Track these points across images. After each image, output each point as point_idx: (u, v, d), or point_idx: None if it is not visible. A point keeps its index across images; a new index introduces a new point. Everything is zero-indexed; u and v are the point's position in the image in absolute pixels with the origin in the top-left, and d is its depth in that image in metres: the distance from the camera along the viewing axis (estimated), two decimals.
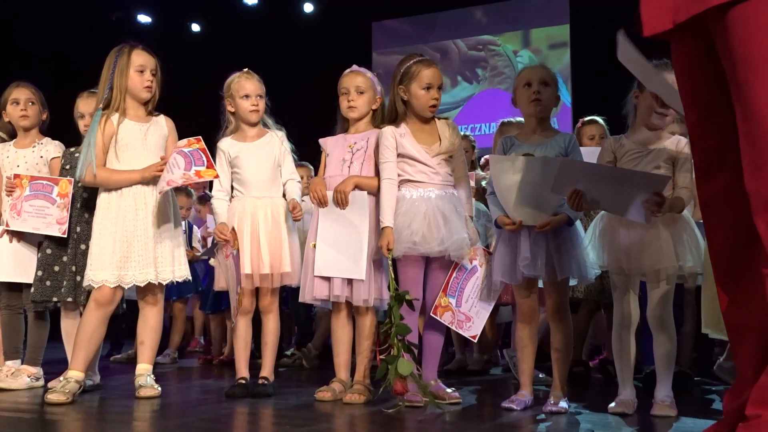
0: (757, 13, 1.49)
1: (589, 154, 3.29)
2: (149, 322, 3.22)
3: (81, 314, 3.25)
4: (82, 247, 3.34)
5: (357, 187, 3.12)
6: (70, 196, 3.41)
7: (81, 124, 3.54)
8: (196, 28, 9.74)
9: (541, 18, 8.63)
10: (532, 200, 2.77)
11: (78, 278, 3.30)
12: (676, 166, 2.77)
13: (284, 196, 3.33)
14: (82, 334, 3.05)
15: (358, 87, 3.21)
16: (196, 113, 4.37)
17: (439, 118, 3.20)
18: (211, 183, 3.41)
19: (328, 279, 3.10)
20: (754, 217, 1.51)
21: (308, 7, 9.24)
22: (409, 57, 3.17)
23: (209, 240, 5.19)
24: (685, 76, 1.76)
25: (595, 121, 4.25)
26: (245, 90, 3.32)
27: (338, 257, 3.08)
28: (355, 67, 3.32)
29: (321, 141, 3.33)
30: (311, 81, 6.85)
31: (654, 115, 2.80)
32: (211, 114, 3.62)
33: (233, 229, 3.21)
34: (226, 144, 3.36)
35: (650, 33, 1.64)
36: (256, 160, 3.32)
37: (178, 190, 3.92)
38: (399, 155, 3.06)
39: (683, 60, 1.75)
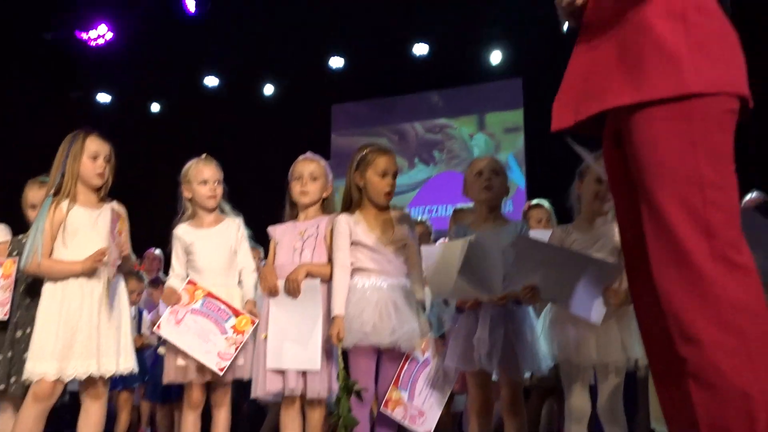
0: (658, 119, 1.56)
1: (539, 235, 3.34)
2: (91, 417, 3.08)
3: (16, 408, 3.11)
4: (19, 333, 3.23)
5: (309, 274, 3.10)
6: (14, 277, 3.32)
7: (31, 214, 3.48)
8: (155, 108, 9.78)
9: (495, 103, 8.87)
10: (482, 277, 2.77)
11: (12, 366, 3.17)
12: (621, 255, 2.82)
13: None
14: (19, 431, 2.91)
15: (311, 173, 3.24)
16: (153, 196, 4.35)
17: (393, 207, 3.23)
18: (166, 266, 3.35)
19: (281, 372, 3.04)
20: (664, 314, 1.55)
21: (269, 89, 9.37)
22: (366, 145, 3.23)
23: None
24: (607, 166, 1.84)
25: (542, 206, 4.35)
26: (203, 176, 3.32)
27: (291, 348, 3.02)
28: (309, 154, 3.37)
29: (270, 229, 3.32)
30: (271, 163, 6.89)
31: (596, 201, 2.88)
32: (168, 197, 3.60)
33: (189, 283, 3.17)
34: (181, 230, 3.34)
35: (555, 128, 1.74)
36: (211, 247, 3.29)
37: (129, 273, 3.84)
38: (352, 243, 3.07)
39: (604, 151, 1.83)
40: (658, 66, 1.58)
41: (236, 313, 3.17)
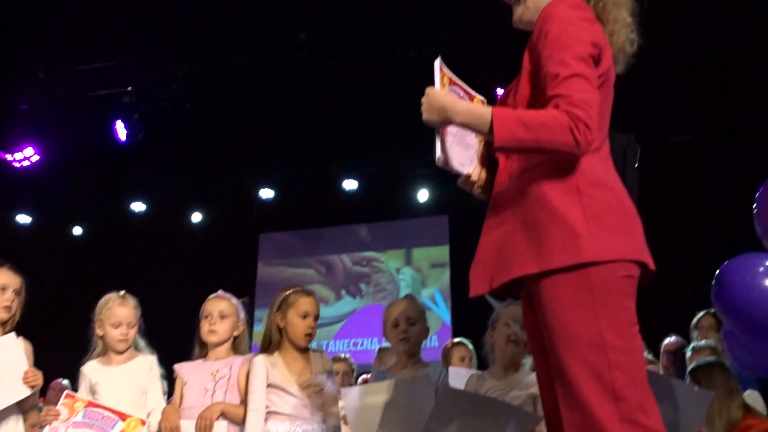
0: (561, 286, 1.65)
1: (460, 374, 3.34)
2: None
3: None
4: None
5: (223, 414, 2.98)
6: None
7: None
8: (77, 231, 9.56)
9: (422, 238, 9.05)
10: (401, 423, 2.72)
11: None
12: (537, 403, 2.83)
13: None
14: None
15: (221, 312, 3.19)
16: (67, 323, 4.17)
17: (313, 350, 3.19)
18: None
19: None
20: None
21: (196, 217, 9.33)
22: (289, 286, 3.22)
23: None
24: (526, 327, 1.95)
25: (464, 344, 4.37)
26: (117, 317, 3.21)
27: None
28: (220, 292, 3.33)
29: (176, 367, 3.20)
30: (194, 294, 6.75)
31: (509, 345, 2.92)
32: (82, 326, 3.45)
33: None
34: (88, 368, 3.20)
35: (473, 295, 1.84)
36: (118, 386, 3.13)
37: (31, 408, 3.61)
38: (269, 385, 2.98)
39: (523, 313, 1.93)
40: (557, 237, 1.68)
41: (123, 417, 3.03)
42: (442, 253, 8.90)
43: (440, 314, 8.59)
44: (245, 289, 4.25)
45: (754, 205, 2.38)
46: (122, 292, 3.31)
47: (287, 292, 3.15)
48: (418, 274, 8.91)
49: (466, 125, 1.81)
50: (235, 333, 3.22)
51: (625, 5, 1.91)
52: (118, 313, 3.22)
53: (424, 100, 1.83)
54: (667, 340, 4.63)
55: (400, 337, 3.00)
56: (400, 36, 6.49)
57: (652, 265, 1.77)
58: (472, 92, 2.06)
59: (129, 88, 6.69)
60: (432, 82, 1.89)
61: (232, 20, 6.26)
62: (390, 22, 6.44)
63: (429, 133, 1.90)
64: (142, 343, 3.33)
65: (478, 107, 1.81)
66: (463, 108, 1.79)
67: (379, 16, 6.34)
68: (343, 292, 9.22)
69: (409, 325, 3.02)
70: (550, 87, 1.72)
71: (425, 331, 3.11)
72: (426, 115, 1.82)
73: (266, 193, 8.98)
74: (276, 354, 3.06)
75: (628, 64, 1.93)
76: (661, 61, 5.50)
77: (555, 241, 1.68)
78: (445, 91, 1.86)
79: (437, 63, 1.90)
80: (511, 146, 1.74)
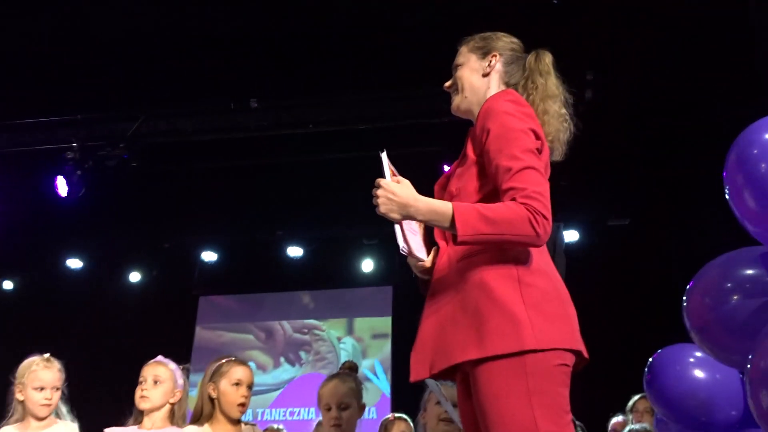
0: (498, 373, 1.68)
1: None
2: None
3: None
4: None
5: None
6: None
7: None
8: (8, 285, 9.20)
9: (365, 308, 9.00)
10: None
11: None
12: None
13: None
14: None
15: (155, 377, 3.10)
16: None
17: (245, 423, 3.10)
18: None
19: None
20: None
21: (134, 276, 9.11)
22: (223, 356, 3.15)
23: None
24: (461, 414, 1.95)
25: (404, 419, 4.32)
26: (40, 381, 3.07)
27: None
28: (159, 357, 3.24)
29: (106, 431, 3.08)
30: (127, 357, 6.55)
31: (440, 424, 2.92)
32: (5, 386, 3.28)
33: None
34: None
35: (414, 380, 1.86)
36: None
37: None
38: None
39: (458, 398, 1.95)
40: (499, 324, 1.72)
41: None
42: (384, 323, 8.85)
43: (380, 386, 8.48)
44: (181, 353, 4.14)
45: (684, 298, 2.44)
46: (47, 355, 3.18)
47: (220, 362, 3.09)
48: (359, 344, 8.82)
49: (427, 222, 1.85)
50: (172, 400, 3.11)
51: (557, 97, 2.03)
52: (41, 376, 3.08)
53: (380, 192, 1.82)
54: (614, 420, 4.68)
55: (332, 423, 2.96)
56: (353, 107, 6.60)
57: (586, 354, 1.82)
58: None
59: (74, 144, 6.58)
60: (379, 166, 1.90)
61: (184, 82, 6.27)
62: (341, 92, 6.55)
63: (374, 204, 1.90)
64: (64, 409, 3.19)
65: (438, 204, 1.83)
66: (424, 205, 1.81)
67: (330, 86, 6.44)
68: (282, 359, 9.04)
69: (341, 410, 2.99)
70: (504, 180, 1.79)
71: (360, 411, 3.08)
72: (384, 208, 1.82)
73: (209, 256, 8.85)
74: (207, 425, 2.97)
75: (565, 152, 2.03)
76: (600, 146, 5.70)
77: (496, 327, 1.71)
78: (405, 185, 1.87)
79: (383, 155, 1.93)
80: (473, 241, 1.77)
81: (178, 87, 6.36)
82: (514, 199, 1.75)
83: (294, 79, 6.33)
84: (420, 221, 1.88)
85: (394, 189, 1.82)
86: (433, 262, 1.98)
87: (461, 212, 1.76)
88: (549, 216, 1.74)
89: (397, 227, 1.88)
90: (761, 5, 4.61)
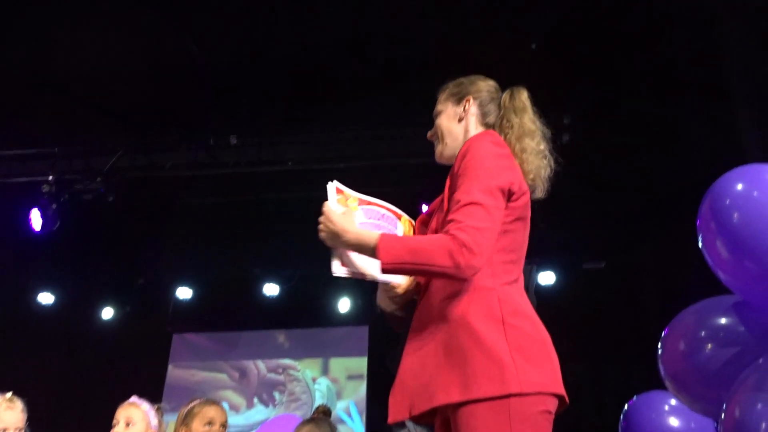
0: (481, 416, 1.67)
1: None
2: None
3: None
4: None
5: None
6: None
7: None
8: None
9: (341, 348, 8.90)
10: None
11: None
12: None
13: None
14: None
15: (127, 418, 3.03)
16: None
17: None
18: None
19: None
20: None
21: (107, 312, 8.95)
22: (195, 398, 3.15)
23: None
24: None
25: None
26: (2, 422, 2.97)
27: None
28: (134, 398, 3.16)
29: None
30: (99, 394, 6.40)
31: None
32: None
33: None
34: None
35: (392, 421, 1.81)
36: None
37: None
38: None
39: None
40: (483, 367, 1.70)
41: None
42: (360, 364, 8.75)
43: (354, 428, 8.35)
44: (152, 391, 4.06)
45: (659, 345, 2.42)
46: (8, 395, 3.09)
47: (192, 404, 3.07)
48: (334, 385, 8.69)
49: (356, 251, 1.89)
50: None
51: (534, 133, 2.04)
52: (3, 417, 2.99)
53: (322, 219, 1.91)
54: None
55: None
56: (331, 145, 6.61)
57: (566, 398, 1.80)
58: (398, 211, 2.12)
59: (50, 178, 6.51)
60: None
61: (164, 117, 6.26)
62: (320, 130, 6.57)
63: None
64: None
65: (365, 234, 1.87)
66: (353, 236, 1.87)
67: (309, 123, 6.47)
68: (255, 399, 8.88)
69: None
70: (450, 212, 1.82)
71: None
72: (322, 235, 1.91)
73: (183, 293, 8.73)
74: None
75: (546, 189, 2.02)
76: (577, 189, 5.74)
77: (481, 370, 1.69)
78: (349, 213, 1.94)
79: (331, 185, 2.01)
80: (395, 270, 1.81)
81: (157, 121, 6.35)
82: (447, 231, 1.77)
83: (273, 117, 6.35)
84: (351, 250, 1.91)
85: (330, 216, 1.90)
86: (410, 290, 2.00)
87: (386, 242, 1.80)
88: (478, 250, 1.73)
89: (333, 251, 1.92)
90: (733, 52, 4.70)
